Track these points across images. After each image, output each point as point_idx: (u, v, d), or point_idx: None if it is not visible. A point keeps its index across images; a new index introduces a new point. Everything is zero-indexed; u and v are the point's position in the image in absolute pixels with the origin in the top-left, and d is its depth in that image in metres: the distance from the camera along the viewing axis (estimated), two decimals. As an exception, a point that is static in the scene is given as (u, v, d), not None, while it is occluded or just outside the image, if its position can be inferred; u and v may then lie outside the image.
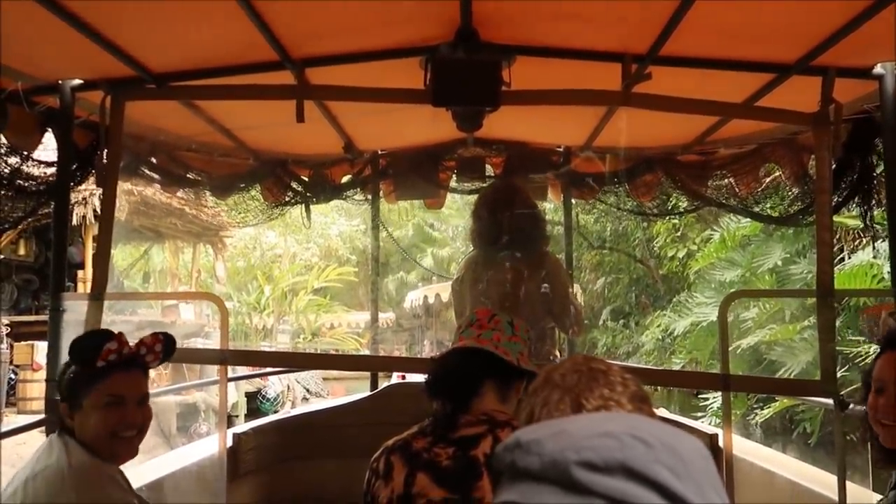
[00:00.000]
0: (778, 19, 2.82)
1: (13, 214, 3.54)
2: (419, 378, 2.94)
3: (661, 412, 4.86)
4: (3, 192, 3.35)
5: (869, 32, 2.69)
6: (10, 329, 11.73)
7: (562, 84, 3.27)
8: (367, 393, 4.53)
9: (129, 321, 12.67)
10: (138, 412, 2.10)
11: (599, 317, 20.21)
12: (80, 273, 12.89)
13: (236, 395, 15.74)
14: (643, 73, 3.11)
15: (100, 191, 3.70)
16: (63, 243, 3.44)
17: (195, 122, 3.87)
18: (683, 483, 0.65)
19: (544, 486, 0.66)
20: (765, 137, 4.19)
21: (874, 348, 7.49)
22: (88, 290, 3.18)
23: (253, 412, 16.22)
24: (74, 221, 11.15)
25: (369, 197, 5.13)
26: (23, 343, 11.75)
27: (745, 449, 3.71)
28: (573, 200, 5.24)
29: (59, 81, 3.21)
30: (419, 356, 16.19)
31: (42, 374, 10.11)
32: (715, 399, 10.61)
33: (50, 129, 3.40)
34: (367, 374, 5.31)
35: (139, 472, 3.33)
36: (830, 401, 3.08)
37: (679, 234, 16.64)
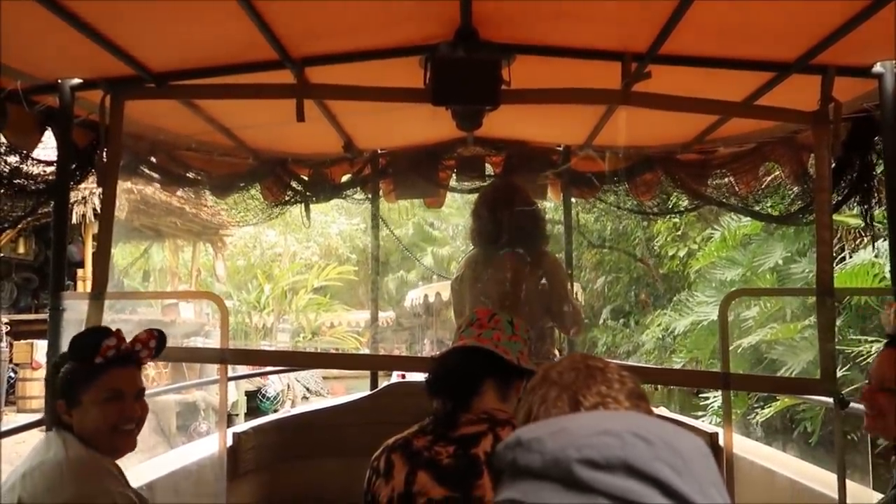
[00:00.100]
0: (777, 18, 2.82)
1: (13, 214, 3.54)
2: (419, 377, 2.94)
3: (662, 411, 4.86)
4: (2, 192, 3.35)
5: (868, 31, 2.69)
6: (9, 327, 11.73)
7: (561, 83, 3.27)
8: (368, 392, 4.53)
9: (129, 320, 12.66)
10: (136, 406, 2.16)
11: (600, 316, 20.21)
12: (79, 272, 12.89)
13: (236, 393, 15.77)
14: (643, 71, 3.11)
15: (99, 190, 3.70)
16: (63, 243, 3.44)
17: (195, 122, 3.87)
18: (684, 480, 0.65)
19: (545, 484, 0.66)
20: (764, 136, 4.20)
21: (876, 347, 7.50)
22: (88, 289, 3.19)
23: (253, 411, 16.25)
24: (74, 220, 11.15)
25: (369, 196, 5.12)
26: (22, 341, 11.76)
27: (746, 448, 3.71)
28: (573, 199, 5.24)
29: (59, 80, 3.22)
30: (419, 355, 16.20)
31: (42, 373, 10.13)
32: (715, 398, 10.61)
33: (49, 129, 3.40)
34: (367, 372, 5.31)
35: (139, 471, 3.34)
36: (831, 400, 3.09)
37: (679, 232, 16.63)
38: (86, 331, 2.25)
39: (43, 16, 2.56)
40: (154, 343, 2.19)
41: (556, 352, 4.26)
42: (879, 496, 2.30)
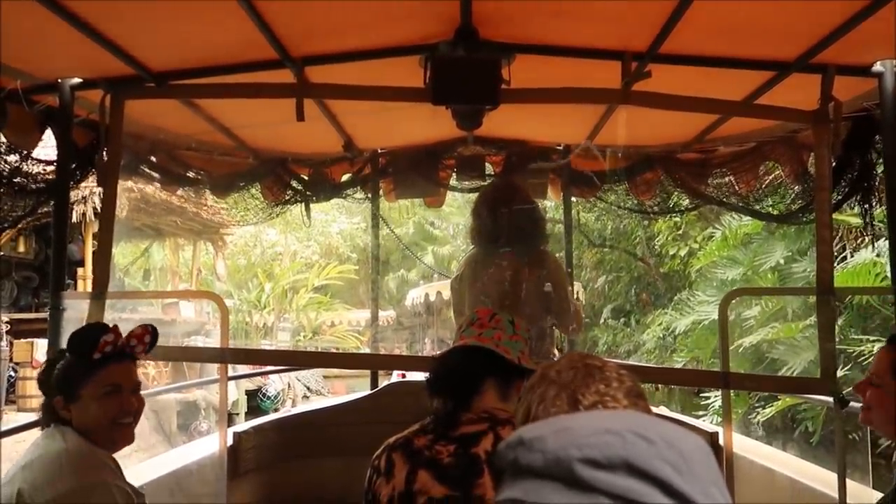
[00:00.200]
0: (777, 17, 2.82)
1: (13, 213, 3.55)
2: (419, 376, 2.94)
3: (662, 410, 4.87)
4: (3, 191, 3.35)
5: (868, 30, 2.69)
6: (9, 326, 11.74)
7: (561, 82, 3.27)
8: (368, 391, 4.53)
9: (129, 319, 12.66)
10: (133, 400, 2.20)
11: (600, 315, 20.20)
12: (80, 270, 12.90)
13: (237, 393, 15.78)
14: (643, 71, 3.11)
15: (99, 189, 3.70)
16: (63, 242, 3.45)
17: (195, 121, 3.88)
18: (685, 479, 0.65)
19: (547, 483, 0.66)
20: (764, 135, 4.20)
21: (877, 346, 7.50)
22: (89, 288, 3.19)
23: (253, 410, 16.26)
24: (74, 219, 11.16)
25: (369, 195, 5.13)
26: (22, 340, 11.76)
27: (746, 447, 3.71)
28: (573, 199, 5.25)
29: (59, 80, 3.22)
30: (420, 354, 16.20)
31: (42, 373, 10.11)
32: (716, 398, 10.59)
33: (49, 128, 3.40)
34: (368, 371, 5.31)
35: (140, 470, 3.34)
36: (832, 399, 3.09)
37: (680, 232, 16.61)
38: (84, 327, 2.28)
39: (43, 15, 2.56)
40: (148, 338, 2.24)
41: (556, 351, 4.26)
42: (880, 495, 2.31)
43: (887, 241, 3.27)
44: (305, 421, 4.20)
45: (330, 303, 24.40)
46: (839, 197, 3.70)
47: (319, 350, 20.88)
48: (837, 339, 9.06)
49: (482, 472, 1.86)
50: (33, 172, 3.44)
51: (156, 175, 4.33)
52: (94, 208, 11.22)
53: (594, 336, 19.83)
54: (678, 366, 12.58)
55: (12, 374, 11.80)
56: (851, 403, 2.99)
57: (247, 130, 4.32)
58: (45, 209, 3.76)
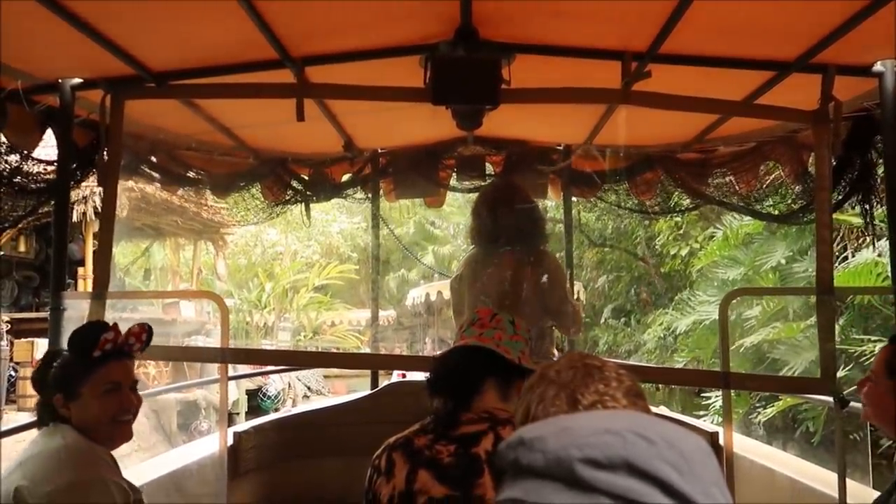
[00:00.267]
0: (777, 17, 2.82)
1: (13, 213, 3.55)
2: (419, 376, 2.94)
3: (663, 410, 4.87)
4: (3, 191, 3.36)
5: (868, 30, 2.69)
6: (10, 326, 11.74)
7: (561, 82, 3.27)
8: (368, 391, 4.53)
9: (130, 318, 12.63)
10: (132, 397, 2.22)
11: (601, 315, 20.21)
12: (80, 270, 12.90)
13: (237, 392, 15.78)
14: (643, 71, 3.11)
15: (100, 189, 3.71)
16: (63, 243, 3.45)
17: (195, 121, 3.88)
18: (686, 480, 0.65)
19: (547, 483, 0.66)
20: (764, 135, 4.20)
21: (878, 346, 7.52)
22: (89, 287, 3.20)
23: (254, 410, 16.26)
24: (75, 218, 11.16)
25: (369, 195, 5.13)
26: (23, 340, 11.76)
27: (746, 447, 3.71)
28: (574, 198, 5.25)
29: (59, 80, 3.22)
30: (420, 354, 16.20)
31: (43, 372, 10.10)
32: (717, 398, 10.58)
33: (50, 128, 3.40)
34: (368, 371, 5.31)
35: (140, 470, 3.34)
36: (832, 399, 3.09)
37: (681, 231, 16.61)
38: (84, 325, 2.29)
39: (43, 15, 2.56)
40: (145, 336, 2.26)
41: (556, 351, 4.26)
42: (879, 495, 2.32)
43: (888, 241, 3.27)
44: (306, 421, 4.21)
45: (330, 302, 24.40)
46: (839, 197, 3.70)
47: (320, 350, 20.89)
48: (839, 340, 9.10)
49: (482, 471, 1.86)
50: (34, 172, 3.44)
51: (156, 175, 4.33)
52: (95, 208, 11.23)
53: (595, 336, 19.83)
54: (679, 366, 12.58)
55: (13, 373, 11.80)
56: (852, 403, 2.99)
57: (247, 130, 4.32)
58: (46, 209, 3.76)
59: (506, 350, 2.07)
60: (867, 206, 3.68)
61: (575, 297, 4.41)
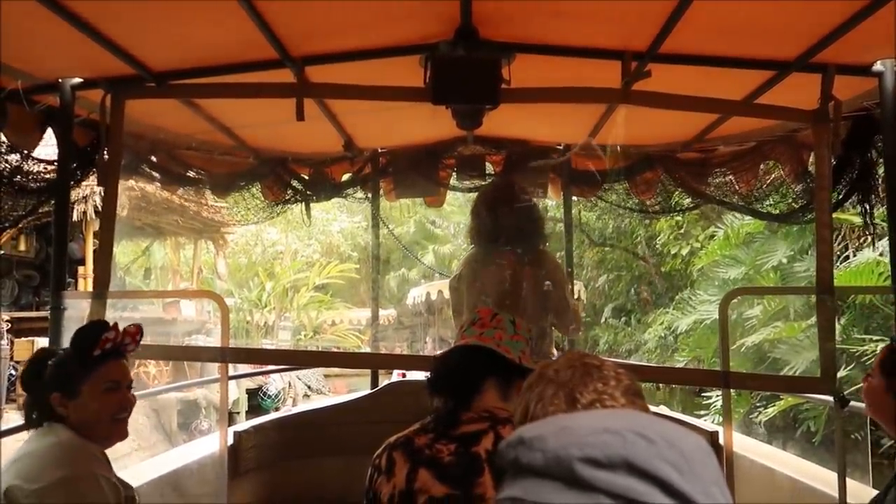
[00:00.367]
0: (777, 16, 2.82)
1: (14, 212, 3.55)
2: (420, 376, 2.94)
3: (663, 410, 4.87)
4: (4, 190, 3.36)
5: (868, 30, 2.69)
6: (10, 325, 11.73)
7: (561, 82, 3.27)
8: (368, 390, 4.53)
9: (130, 318, 12.64)
10: (130, 396, 2.23)
11: (601, 314, 20.21)
12: (80, 269, 12.90)
13: (237, 392, 15.77)
14: (643, 70, 3.12)
15: (100, 188, 3.71)
16: (64, 242, 3.45)
17: (195, 121, 3.88)
18: (686, 479, 0.65)
19: (547, 482, 0.67)
20: (764, 135, 4.20)
21: (880, 346, 7.53)
22: (89, 286, 3.20)
23: (254, 409, 16.25)
24: (75, 217, 11.15)
25: (369, 195, 5.13)
26: (23, 339, 11.75)
27: (746, 446, 3.71)
28: (574, 198, 5.25)
29: (59, 80, 3.23)
30: (421, 354, 16.20)
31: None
32: (718, 397, 10.57)
33: (50, 128, 3.41)
34: (369, 370, 5.31)
35: (140, 469, 3.35)
36: (832, 399, 3.09)
37: (682, 231, 16.61)
38: (87, 325, 2.30)
39: (43, 15, 2.57)
40: (139, 337, 2.28)
41: (555, 350, 4.26)
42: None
43: (888, 241, 3.27)
44: (306, 420, 4.21)
45: (331, 302, 24.38)
46: (839, 196, 3.70)
47: (320, 349, 20.87)
48: (840, 339, 9.09)
49: (482, 471, 1.86)
50: (34, 172, 3.45)
51: (156, 174, 4.33)
52: (95, 207, 11.22)
53: (595, 335, 19.83)
54: (680, 365, 12.57)
55: (13, 372, 11.79)
56: (852, 403, 2.99)
57: (247, 130, 4.33)
58: (46, 208, 3.76)
59: (506, 350, 2.07)
60: (867, 206, 3.68)
61: (575, 296, 4.41)
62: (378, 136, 4.80)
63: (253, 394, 17.39)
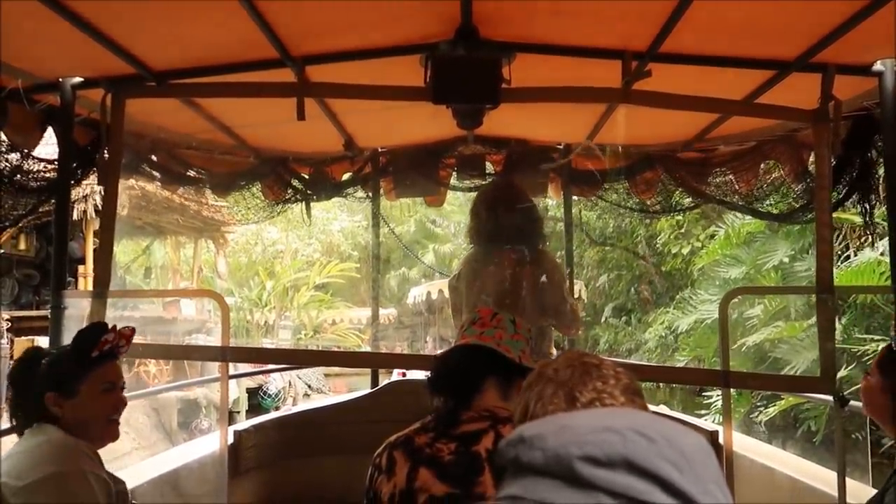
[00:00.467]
0: (778, 16, 2.82)
1: (14, 211, 3.55)
2: (420, 375, 2.94)
3: (663, 409, 4.87)
4: (3, 189, 3.36)
5: (868, 29, 2.69)
6: (10, 324, 11.73)
7: (562, 81, 3.27)
8: (369, 390, 4.53)
9: (131, 317, 12.67)
10: (123, 397, 2.25)
11: (602, 314, 20.21)
12: (80, 268, 12.90)
13: (237, 391, 15.77)
14: (643, 70, 3.11)
15: (101, 187, 3.71)
16: (64, 241, 3.45)
17: (196, 120, 3.88)
18: (686, 478, 0.65)
19: (547, 481, 0.67)
20: (764, 134, 4.20)
21: (881, 345, 7.54)
22: (89, 285, 3.20)
23: (254, 408, 16.25)
24: (75, 216, 11.15)
25: (369, 194, 5.14)
26: (23, 338, 11.74)
27: (746, 446, 3.72)
28: (574, 197, 5.25)
29: (60, 79, 3.23)
30: (421, 353, 16.19)
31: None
32: (718, 397, 10.56)
33: (51, 127, 3.41)
34: (369, 370, 5.32)
35: (141, 468, 3.35)
36: (832, 398, 3.09)
37: (682, 230, 16.62)
38: (89, 326, 2.31)
39: (44, 15, 2.57)
40: (132, 339, 2.30)
41: (555, 350, 4.26)
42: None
43: (888, 241, 3.27)
44: (306, 419, 4.21)
45: (331, 301, 24.37)
46: (839, 196, 3.70)
47: (320, 348, 20.86)
48: (841, 339, 9.09)
49: (483, 470, 1.87)
50: (34, 171, 3.45)
51: (157, 173, 4.33)
52: (95, 206, 11.21)
53: (595, 335, 19.84)
54: (680, 365, 12.57)
55: (13, 372, 11.79)
56: (852, 402, 2.99)
57: (247, 129, 4.33)
58: (47, 207, 3.77)
59: (506, 349, 2.07)
60: (867, 206, 3.68)
61: (576, 295, 4.41)
62: (378, 135, 4.80)
63: (253, 393, 17.39)
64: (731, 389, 3.50)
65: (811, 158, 3.83)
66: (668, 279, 18.33)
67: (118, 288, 11.67)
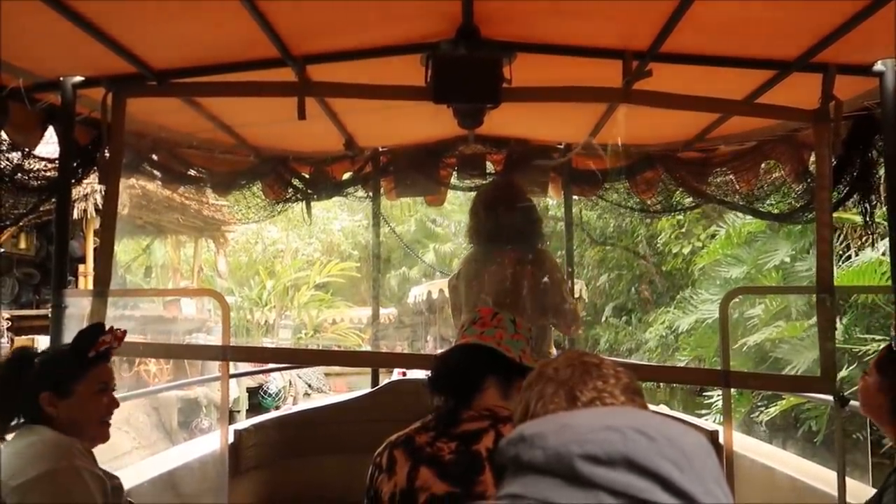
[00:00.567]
0: (778, 16, 2.82)
1: (14, 210, 3.56)
2: (420, 374, 2.94)
3: (663, 409, 4.87)
4: (4, 188, 3.36)
5: (869, 29, 2.69)
6: (10, 323, 11.73)
7: (562, 81, 3.27)
8: (369, 389, 4.53)
9: (131, 316, 12.67)
10: (115, 399, 2.26)
11: (602, 313, 20.19)
12: (80, 267, 12.89)
13: (238, 390, 15.76)
14: (644, 69, 3.12)
15: (101, 186, 3.71)
16: (65, 240, 3.45)
17: (196, 119, 3.88)
18: (686, 476, 0.65)
19: (548, 479, 0.67)
20: (765, 134, 4.20)
21: (882, 345, 7.53)
22: (90, 284, 3.21)
23: (255, 408, 16.24)
24: (75, 215, 11.14)
25: (370, 194, 5.14)
26: (23, 337, 11.74)
27: (746, 445, 3.72)
28: (575, 197, 5.25)
29: (61, 78, 3.23)
30: (422, 352, 16.19)
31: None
32: (719, 397, 10.56)
33: (51, 126, 3.41)
34: (369, 369, 5.32)
35: (141, 467, 3.35)
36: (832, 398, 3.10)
37: (683, 230, 16.60)
38: (89, 326, 2.31)
39: (45, 14, 2.57)
40: (123, 341, 2.30)
41: (555, 350, 4.26)
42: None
43: (888, 241, 3.27)
44: (306, 419, 4.21)
45: (331, 300, 24.35)
46: (840, 196, 3.70)
47: (321, 348, 20.85)
48: (842, 339, 9.08)
49: (483, 469, 1.87)
50: (35, 170, 3.45)
51: (157, 173, 4.34)
52: (96, 205, 11.21)
53: (596, 334, 19.82)
54: (681, 364, 12.56)
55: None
56: (852, 402, 2.99)
57: (248, 129, 4.33)
58: (47, 206, 3.77)
59: (507, 349, 2.08)
60: (867, 206, 3.68)
61: (576, 295, 4.42)
62: (379, 134, 4.80)
63: (253, 392, 17.38)
64: (732, 389, 3.50)
65: (812, 158, 3.84)
66: (668, 279, 18.31)
67: (119, 287, 11.66)
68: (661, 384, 15.43)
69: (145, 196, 12.31)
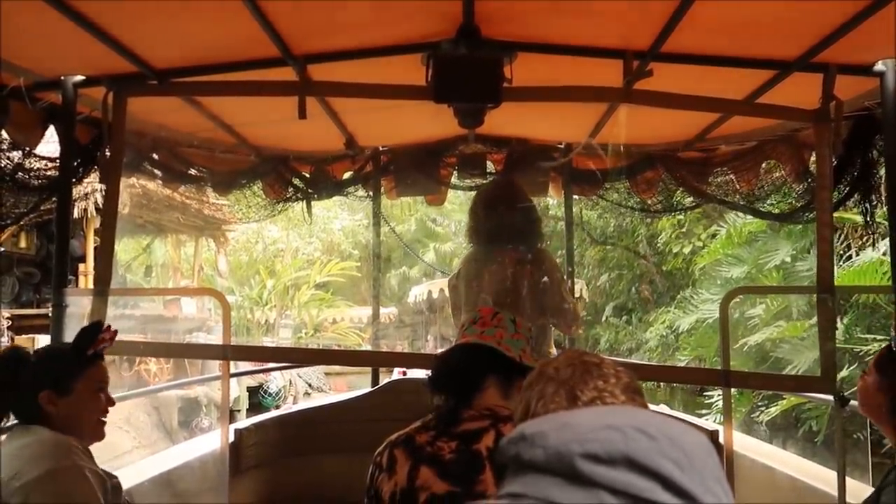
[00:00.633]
0: (779, 16, 2.82)
1: (15, 209, 3.56)
2: (420, 374, 2.95)
3: (663, 409, 4.87)
4: (5, 187, 3.36)
5: (870, 29, 2.69)
6: (11, 322, 11.73)
7: (563, 80, 3.27)
8: (369, 388, 4.53)
9: (131, 315, 12.68)
10: (111, 398, 2.25)
11: (602, 313, 20.19)
12: (81, 266, 12.89)
13: (238, 389, 15.76)
14: (644, 69, 3.12)
15: (102, 186, 3.71)
16: (66, 240, 3.45)
17: (197, 119, 3.88)
18: (687, 476, 0.66)
19: (548, 478, 0.67)
20: (765, 134, 4.20)
21: (883, 345, 7.52)
22: (90, 284, 3.21)
23: (255, 407, 16.24)
24: (76, 215, 11.14)
25: (370, 193, 5.14)
26: (24, 336, 11.74)
27: (746, 445, 3.71)
28: (575, 196, 5.25)
29: (62, 77, 3.23)
30: (422, 351, 16.19)
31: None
32: (719, 396, 10.55)
33: (52, 125, 3.41)
34: (369, 369, 5.32)
35: (141, 466, 3.35)
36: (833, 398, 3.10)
37: (684, 230, 16.59)
38: (89, 325, 2.31)
39: (46, 13, 2.57)
40: (114, 339, 2.30)
41: (555, 349, 4.26)
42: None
43: (889, 241, 3.27)
44: (307, 418, 4.21)
45: (332, 300, 24.34)
46: (840, 196, 3.70)
47: (321, 347, 20.85)
48: (843, 338, 9.08)
49: (484, 468, 1.87)
50: (36, 169, 3.45)
51: (158, 172, 4.34)
52: (96, 204, 11.21)
53: (596, 334, 19.82)
54: (681, 364, 12.56)
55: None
56: (852, 402, 2.99)
57: (249, 128, 4.33)
58: (48, 205, 3.77)
59: (507, 348, 2.08)
60: (868, 205, 3.68)
61: (577, 295, 4.42)
62: (379, 134, 4.80)
63: (254, 391, 17.39)
64: (732, 389, 3.50)
65: (812, 158, 3.84)
66: (669, 278, 18.31)
67: (119, 286, 11.68)
68: (662, 384, 15.43)
69: (146, 195, 12.31)
